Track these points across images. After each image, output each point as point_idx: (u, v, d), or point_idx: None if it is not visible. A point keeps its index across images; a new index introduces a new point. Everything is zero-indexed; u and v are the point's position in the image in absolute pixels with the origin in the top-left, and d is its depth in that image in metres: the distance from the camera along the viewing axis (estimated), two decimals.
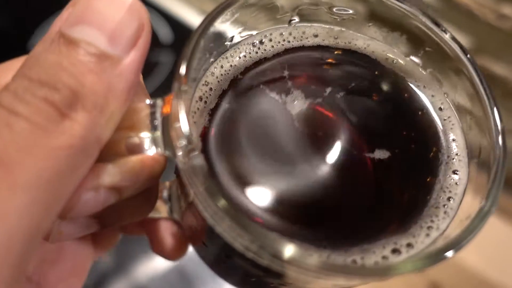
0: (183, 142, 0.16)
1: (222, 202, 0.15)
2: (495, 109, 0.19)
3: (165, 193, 0.26)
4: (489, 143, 0.20)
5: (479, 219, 0.17)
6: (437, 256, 0.16)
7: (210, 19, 0.18)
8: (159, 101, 0.17)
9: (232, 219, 0.15)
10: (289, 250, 0.15)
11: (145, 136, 0.17)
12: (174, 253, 0.27)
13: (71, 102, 0.14)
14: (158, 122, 0.17)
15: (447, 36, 0.21)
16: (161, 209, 0.26)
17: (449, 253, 0.16)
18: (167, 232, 0.27)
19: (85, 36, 0.14)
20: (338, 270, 0.15)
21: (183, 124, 0.16)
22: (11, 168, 0.12)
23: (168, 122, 0.17)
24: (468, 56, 0.21)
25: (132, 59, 0.15)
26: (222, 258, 0.22)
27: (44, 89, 0.13)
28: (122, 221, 0.22)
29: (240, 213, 0.16)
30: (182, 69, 0.16)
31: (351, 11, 0.24)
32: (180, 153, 0.16)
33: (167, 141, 0.17)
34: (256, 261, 0.17)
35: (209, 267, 0.25)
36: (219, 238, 0.18)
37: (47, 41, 0.15)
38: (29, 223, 0.13)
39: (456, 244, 0.16)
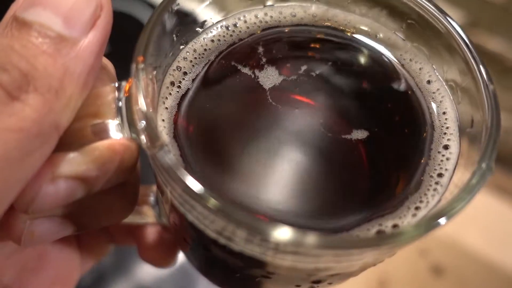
0: (143, 124, 0.15)
1: (205, 196, 0.14)
2: (488, 82, 0.18)
3: (151, 198, 0.25)
4: (482, 116, 0.19)
5: (475, 183, 0.16)
6: (428, 223, 0.15)
7: None
8: (124, 83, 0.16)
9: (220, 211, 0.14)
10: (284, 232, 0.14)
11: (112, 121, 0.16)
12: (163, 260, 0.26)
13: (21, 84, 0.13)
14: (123, 105, 0.16)
15: (428, 6, 0.20)
16: (149, 214, 0.25)
17: (442, 220, 0.15)
18: (154, 237, 0.26)
19: (39, 18, 0.14)
20: (338, 246, 0.14)
21: (141, 105, 0.15)
22: None
23: (130, 104, 0.16)
24: (455, 27, 0.20)
25: (91, 41, 0.14)
26: (205, 256, 0.21)
27: None
28: (100, 223, 0.21)
29: (222, 201, 0.14)
30: (139, 48, 0.15)
31: None
32: (142, 136, 0.15)
33: (132, 125, 0.16)
34: (244, 252, 0.16)
35: (198, 271, 0.24)
36: (198, 231, 0.17)
37: (1, 26, 0.14)
38: None
39: (449, 210, 0.15)
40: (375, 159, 0.19)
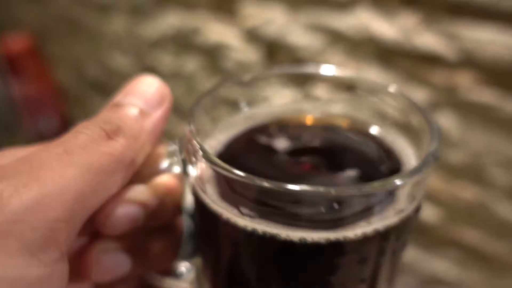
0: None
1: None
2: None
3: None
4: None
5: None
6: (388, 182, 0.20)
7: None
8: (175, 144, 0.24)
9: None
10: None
11: (168, 164, 0.24)
12: None
13: (116, 131, 0.21)
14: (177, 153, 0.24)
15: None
16: None
17: (398, 181, 0.20)
18: None
19: (130, 101, 0.23)
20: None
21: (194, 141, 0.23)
22: (71, 154, 0.19)
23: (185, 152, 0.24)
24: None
25: (158, 115, 0.23)
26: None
27: (100, 123, 0.21)
28: (150, 263, 0.25)
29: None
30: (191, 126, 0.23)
31: None
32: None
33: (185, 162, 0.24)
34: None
35: None
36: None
37: (106, 108, 0.23)
38: (78, 188, 0.19)
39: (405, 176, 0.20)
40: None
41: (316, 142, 0.27)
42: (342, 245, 0.20)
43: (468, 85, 0.48)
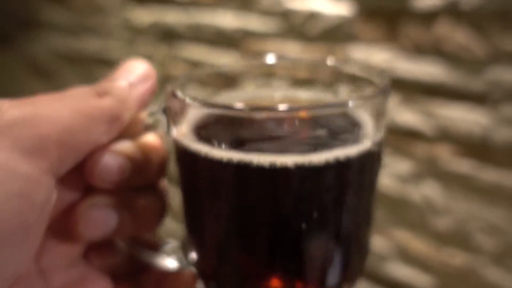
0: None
1: None
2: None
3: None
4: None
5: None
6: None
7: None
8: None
9: None
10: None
11: (153, 123, 0.26)
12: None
13: (105, 92, 0.24)
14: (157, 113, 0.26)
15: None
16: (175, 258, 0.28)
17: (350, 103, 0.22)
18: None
19: (119, 76, 0.26)
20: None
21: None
22: (63, 100, 0.22)
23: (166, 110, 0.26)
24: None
25: (144, 87, 0.26)
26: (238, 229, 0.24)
27: (91, 86, 0.24)
28: (137, 223, 0.26)
29: None
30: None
31: None
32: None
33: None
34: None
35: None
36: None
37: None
38: (67, 123, 0.21)
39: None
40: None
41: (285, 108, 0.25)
42: (307, 169, 0.22)
43: (447, 157, 0.53)
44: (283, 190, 0.23)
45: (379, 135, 0.24)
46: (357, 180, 0.24)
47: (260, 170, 0.22)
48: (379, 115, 0.24)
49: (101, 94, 0.23)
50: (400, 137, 0.56)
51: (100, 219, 0.24)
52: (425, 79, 0.53)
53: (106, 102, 0.23)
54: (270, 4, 0.69)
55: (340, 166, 0.23)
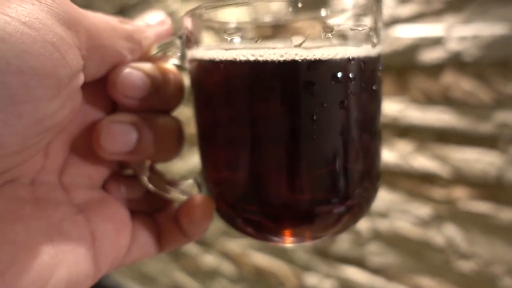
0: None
1: None
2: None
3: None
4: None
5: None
6: None
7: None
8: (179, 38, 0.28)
9: None
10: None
11: (172, 53, 0.27)
12: (199, 222, 0.27)
13: (126, 21, 0.25)
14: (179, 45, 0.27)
15: None
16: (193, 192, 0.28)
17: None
18: (195, 203, 0.28)
19: (139, 21, 0.27)
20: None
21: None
22: (87, 14, 0.22)
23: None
24: None
25: (160, 29, 0.27)
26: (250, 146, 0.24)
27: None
28: (155, 147, 0.26)
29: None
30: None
31: None
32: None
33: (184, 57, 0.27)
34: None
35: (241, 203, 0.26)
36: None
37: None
38: (92, 22, 0.22)
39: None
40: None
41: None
42: (312, 62, 0.23)
43: (464, 198, 0.55)
44: (294, 83, 0.23)
45: (378, 40, 0.26)
46: (357, 85, 0.25)
47: (271, 64, 0.23)
48: (377, 22, 0.26)
49: (123, 22, 0.25)
50: (417, 182, 0.58)
51: (120, 132, 0.25)
52: (437, 125, 0.56)
53: (128, 27, 0.25)
54: None
55: (344, 63, 0.24)
